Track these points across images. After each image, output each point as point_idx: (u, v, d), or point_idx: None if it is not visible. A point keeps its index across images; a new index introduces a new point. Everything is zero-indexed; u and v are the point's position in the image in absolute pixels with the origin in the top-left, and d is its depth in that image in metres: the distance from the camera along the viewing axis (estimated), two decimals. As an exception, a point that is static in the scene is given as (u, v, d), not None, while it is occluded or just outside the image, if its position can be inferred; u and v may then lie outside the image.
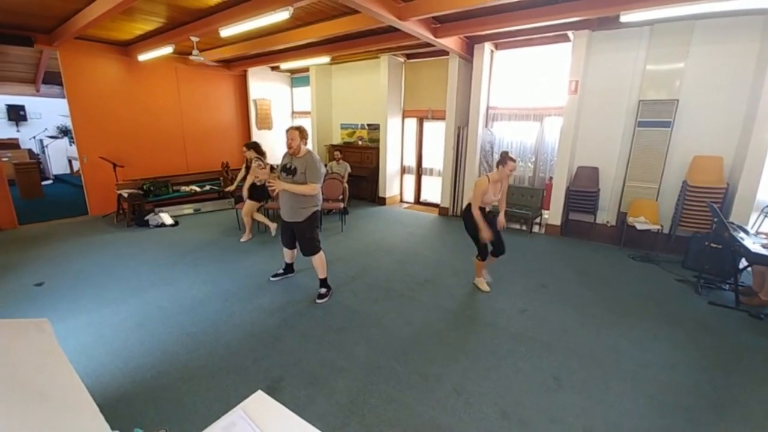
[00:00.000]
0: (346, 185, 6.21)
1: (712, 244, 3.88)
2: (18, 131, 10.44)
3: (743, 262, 3.58)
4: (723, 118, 4.53)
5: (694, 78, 4.62)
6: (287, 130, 3.30)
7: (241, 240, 5.20)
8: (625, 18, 4.08)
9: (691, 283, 3.93)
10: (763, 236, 3.52)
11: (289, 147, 3.27)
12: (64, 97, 6.20)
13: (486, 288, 3.72)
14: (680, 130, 4.74)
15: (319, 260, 3.47)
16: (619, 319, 3.24)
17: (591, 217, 5.51)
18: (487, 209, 3.53)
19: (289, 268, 3.96)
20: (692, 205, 4.50)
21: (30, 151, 10.04)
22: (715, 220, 3.76)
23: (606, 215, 5.53)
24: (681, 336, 2.99)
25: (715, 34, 4.44)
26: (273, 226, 5.27)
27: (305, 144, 3.33)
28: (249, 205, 5.14)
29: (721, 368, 2.60)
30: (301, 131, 3.27)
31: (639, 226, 4.71)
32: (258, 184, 5.03)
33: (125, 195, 5.92)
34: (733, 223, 3.75)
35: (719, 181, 4.47)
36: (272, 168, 4.86)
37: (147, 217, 5.94)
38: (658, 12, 3.89)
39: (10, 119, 10.24)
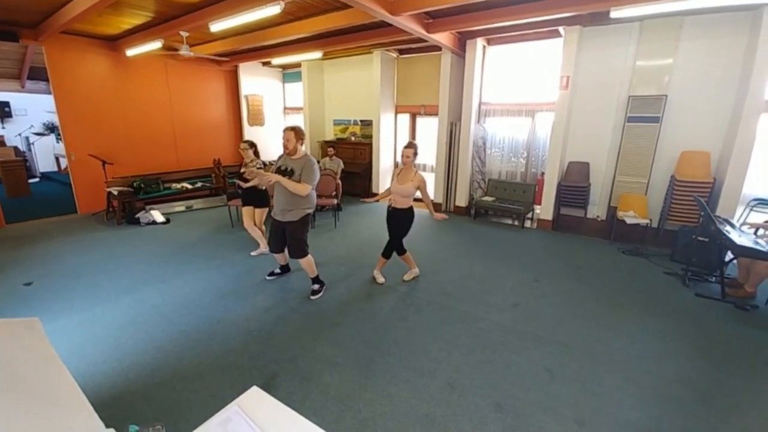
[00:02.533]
0: (339, 182, 6.19)
1: (699, 238, 3.96)
2: (3, 128, 10.23)
3: (729, 255, 3.66)
4: (710, 114, 4.60)
5: (683, 73, 4.68)
6: (283, 131, 3.26)
7: (253, 254, 4.56)
8: (615, 14, 4.12)
9: (678, 276, 4.01)
10: (747, 227, 3.59)
11: (285, 148, 3.24)
12: (50, 93, 6.08)
13: (381, 280, 3.82)
14: (669, 126, 4.81)
15: (306, 262, 3.45)
16: (610, 312, 3.29)
17: (582, 211, 5.58)
18: (391, 205, 3.58)
19: (285, 268, 3.95)
20: (680, 199, 4.58)
21: (16, 148, 9.83)
22: (702, 213, 3.83)
23: (596, 210, 5.60)
24: (669, 327, 3.05)
25: (704, 29, 4.49)
26: (263, 248, 4.51)
27: (302, 145, 3.30)
28: (260, 213, 4.49)
29: (709, 358, 2.67)
30: (296, 132, 3.23)
31: (628, 221, 4.78)
32: (261, 188, 4.41)
33: (115, 193, 5.84)
34: (719, 217, 3.82)
35: (706, 175, 4.55)
36: (264, 165, 4.78)
37: (138, 215, 5.88)
38: (647, 8, 3.93)
39: (-6, 116, 10.02)
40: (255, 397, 1.39)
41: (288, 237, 3.40)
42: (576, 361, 2.61)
